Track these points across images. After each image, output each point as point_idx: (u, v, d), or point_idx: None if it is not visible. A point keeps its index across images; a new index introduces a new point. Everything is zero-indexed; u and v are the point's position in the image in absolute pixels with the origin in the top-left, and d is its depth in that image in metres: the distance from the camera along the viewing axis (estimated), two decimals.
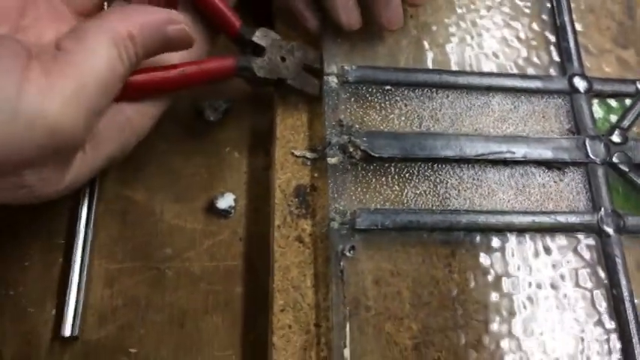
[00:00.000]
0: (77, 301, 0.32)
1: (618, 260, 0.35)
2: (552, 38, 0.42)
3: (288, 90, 0.35)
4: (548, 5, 0.43)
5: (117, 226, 0.35)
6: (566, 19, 0.42)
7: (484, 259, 0.34)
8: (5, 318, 0.32)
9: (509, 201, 0.36)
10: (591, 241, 0.35)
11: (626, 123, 0.39)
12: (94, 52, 0.26)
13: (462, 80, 0.39)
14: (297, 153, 0.36)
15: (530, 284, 0.34)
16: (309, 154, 0.36)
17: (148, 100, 0.30)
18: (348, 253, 0.33)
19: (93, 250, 0.34)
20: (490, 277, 0.34)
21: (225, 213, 0.36)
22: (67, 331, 0.32)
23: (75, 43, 0.26)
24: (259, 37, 0.34)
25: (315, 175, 0.35)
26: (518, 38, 0.42)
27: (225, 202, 0.36)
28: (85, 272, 0.33)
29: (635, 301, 0.34)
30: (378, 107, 0.37)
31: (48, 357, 0.32)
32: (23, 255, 0.34)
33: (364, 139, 0.35)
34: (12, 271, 0.33)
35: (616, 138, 0.38)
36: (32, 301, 0.33)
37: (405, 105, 0.38)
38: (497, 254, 0.35)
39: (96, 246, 0.35)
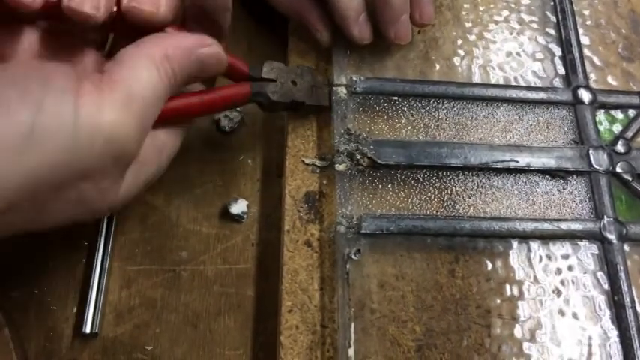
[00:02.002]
0: (97, 300, 0.34)
1: (620, 267, 0.35)
2: (557, 51, 0.43)
3: (303, 110, 0.37)
4: (554, 19, 0.44)
5: (137, 229, 0.37)
6: (571, 32, 0.43)
7: (487, 264, 0.35)
8: (30, 315, 0.34)
9: (512, 208, 0.37)
10: (594, 249, 0.36)
11: (629, 133, 0.40)
12: (135, 70, 0.28)
13: (467, 91, 0.40)
14: (306, 161, 0.37)
15: (532, 290, 0.35)
16: (318, 163, 0.37)
17: (175, 125, 0.32)
18: (354, 256, 0.34)
19: (113, 252, 0.36)
20: (493, 283, 0.35)
21: (238, 218, 0.38)
22: (87, 328, 0.34)
23: (117, 65, 0.28)
24: (267, 71, 0.35)
25: (324, 182, 0.37)
26: (524, 51, 0.43)
27: (239, 207, 0.38)
28: (106, 273, 0.35)
29: (637, 307, 0.34)
30: (385, 117, 0.39)
31: (69, 352, 0.34)
32: (48, 255, 0.36)
33: (371, 147, 0.37)
34: (37, 271, 0.35)
35: (620, 148, 0.39)
36: (55, 299, 0.35)
37: (412, 115, 0.39)
38: (501, 260, 0.35)
39: (116, 248, 0.36)
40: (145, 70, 0.28)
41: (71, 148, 0.26)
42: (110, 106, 0.27)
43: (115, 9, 0.30)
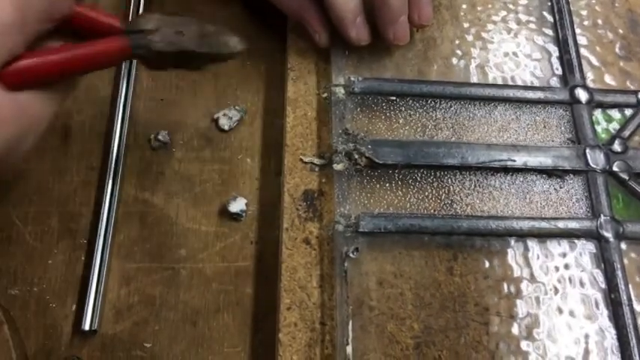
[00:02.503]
0: (96, 298, 0.34)
1: (617, 265, 0.35)
2: (555, 51, 0.43)
3: (199, 61, 0.31)
4: (551, 20, 0.45)
5: (135, 228, 0.37)
6: (568, 32, 0.43)
7: (485, 262, 0.35)
8: (29, 312, 0.35)
9: (510, 207, 0.37)
10: (591, 247, 0.36)
11: (626, 132, 0.40)
12: None
13: (465, 91, 0.40)
14: (305, 159, 0.37)
15: (530, 288, 0.35)
16: (316, 161, 0.37)
17: (44, 92, 0.28)
18: (351, 255, 0.34)
19: (112, 250, 0.36)
20: (491, 281, 0.35)
21: (237, 216, 0.38)
22: (86, 325, 0.34)
23: None
24: (144, 22, 0.30)
25: (323, 180, 0.37)
26: (522, 51, 0.43)
27: (237, 206, 0.38)
28: (105, 271, 0.35)
29: (634, 305, 0.35)
30: (383, 117, 0.39)
31: (68, 349, 0.34)
32: (47, 253, 0.36)
33: (369, 146, 0.37)
34: (37, 269, 0.36)
35: (616, 147, 0.39)
36: (54, 297, 0.35)
37: (410, 115, 0.39)
38: (498, 258, 0.36)
39: (115, 246, 0.37)
40: None
41: None
42: None
43: None
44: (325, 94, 0.39)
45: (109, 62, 0.30)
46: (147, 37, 0.30)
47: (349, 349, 0.32)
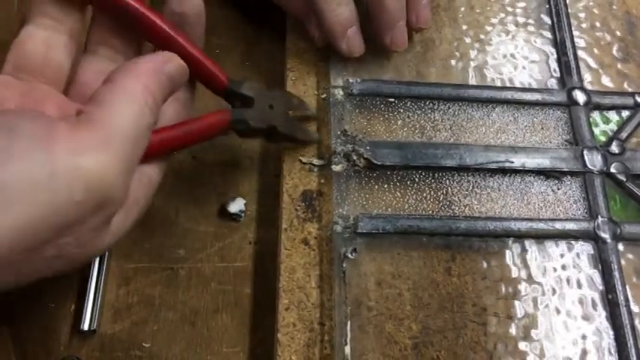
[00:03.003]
0: (95, 298, 0.34)
1: (614, 266, 0.36)
2: (552, 53, 0.43)
3: (278, 137, 0.35)
4: (549, 22, 0.45)
5: (134, 228, 0.37)
6: (566, 34, 0.43)
7: (483, 263, 0.36)
8: (28, 312, 0.35)
9: (507, 208, 0.37)
10: (588, 248, 0.36)
11: (624, 134, 0.40)
12: (115, 107, 0.26)
13: (463, 93, 0.40)
14: (304, 160, 0.37)
15: (527, 288, 0.35)
16: (315, 162, 0.37)
17: (161, 158, 0.31)
18: (350, 255, 0.34)
19: (111, 250, 0.36)
20: (489, 281, 0.35)
21: (236, 217, 0.38)
22: (85, 326, 0.34)
23: (95, 105, 0.26)
24: (247, 88, 0.34)
25: (322, 181, 0.37)
26: (520, 53, 0.43)
27: (236, 206, 0.38)
28: (104, 271, 0.35)
29: (631, 306, 0.35)
30: (382, 118, 0.39)
31: (67, 349, 0.34)
32: None
33: (368, 148, 0.37)
34: None
35: (614, 149, 0.39)
36: (53, 297, 0.35)
37: (408, 116, 0.39)
38: (496, 259, 0.36)
39: (114, 246, 0.36)
40: (127, 105, 0.26)
41: (48, 202, 0.23)
42: (88, 149, 0.24)
43: None
44: (324, 95, 0.40)
45: (212, 135, 0.33)
46: (245, 113, 0.34)
47: (347, 349, 0.32)
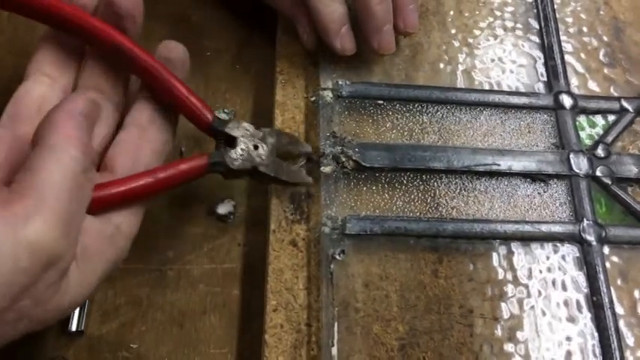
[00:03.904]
0: None
1: (599, 269, 0.36)
2: (540, 57, 0.44)
3: (262, 177, 0.34)
4: (537, 26, 0.45)
5: None
6: (554, 39, 0.44)
7: (469, 265, 0.36)
8: None
9: (494, 210, 0.38)
10: (574, 251, 0.37)
11: (609, 138, 0.41)
12: (42, 168, 0.26)
13: (451, 96, 0.41)
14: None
15: (513, 290, 0.35)
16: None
17: (132, 206, 0.30)
18: (338, 257, 0.34)
19: None
20: (475, 283, 0.35)
21: (224, 218, 0.38)
22: (73, 326, 0.34)
23: (25, 171, 0.26)
24: (231, 128, 0.34)
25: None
26: (508, 57, 0.44)
27: (225, 208, 0.38)
28: None
29: (616, 308, 0.35)
30: (371, 120, 0.39)
31: (54, 350, 0.34)
32: None
33: (356, 150, 0.37)
34: None
35: (600, 152, 0.40)
36: None
37: (397, 119, 0.40)
38: (483, 261, 0.36)
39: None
40: (53, 162, 0.26)
41: None
42: (23, 218, 0.24)
43: None
44: (313, 98, 0.40)
45: (189, 180, 0.32)
46: (225, 155, 0.33)
47: (334, 350, 0.32)
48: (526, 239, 0.37)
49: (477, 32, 0.45)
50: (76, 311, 0.34)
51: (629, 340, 0.35)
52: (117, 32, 0.32)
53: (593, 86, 0.44)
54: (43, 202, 0.25)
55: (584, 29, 0.46)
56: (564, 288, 0.36)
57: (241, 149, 0.33)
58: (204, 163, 0.32)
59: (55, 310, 0.27)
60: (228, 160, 0.33)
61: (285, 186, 0.36)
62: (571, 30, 0.46)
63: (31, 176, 0.26)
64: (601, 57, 0.45)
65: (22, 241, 0.24)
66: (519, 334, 0.34)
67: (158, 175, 0.30)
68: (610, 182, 0.39)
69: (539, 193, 0.39)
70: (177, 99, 0.33)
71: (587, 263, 0.36)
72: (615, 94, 0.43)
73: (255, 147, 0.34)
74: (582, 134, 0.41)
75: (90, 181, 0.28)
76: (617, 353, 0.34)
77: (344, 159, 0.37)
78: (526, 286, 0.36)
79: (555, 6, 0.46)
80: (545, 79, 0.43)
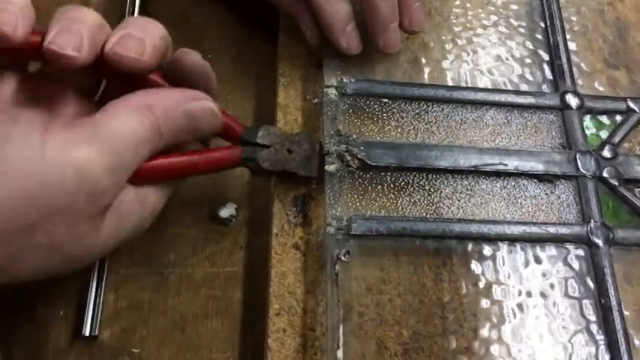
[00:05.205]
0: (95, 303, 0.34)
1: (607, 271, 0.35)
2: (546, 56, 0.43)
3: (294, 180, 0.36)
4: (542, 25, 0.45)
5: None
6: (559, 38, 0.43)
7: (475, 267, 0.35)
8: (18, 317, 0.34)
9: (501, 211, 0.37)
10: (581, 252, 0.36)
11: (616, 139, 0.40)
12: (113, 115, 0.28)
13: (456, 95, 0.40)
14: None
15: (520, 292, 0.35)
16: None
17: (164, 184, 0.32)
18: (343, 258, 0.34)
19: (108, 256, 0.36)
20: (480, 285, 0.35)
21: (226, 221, 0.38)
22: (87, 331, 0.33)
23: (99, 113, 0.29)
24: (262, 136, 0.34)
25: (313, 185, 0.37)
26: (513, 56, 0.43)
27: (227, 211, 0.38)
28: (104, 276, 0.35)
29: (623, 311, 0.35)
30: (375, 119, 0.39)
31: (55, 355, 0.34)
32: None
33: (361, 148, 0.37)
34: None
35: (607, 153, 0.39)
36: (42, 302, 0.35)
37: (402, 117, 0.39)
38: (488, 263, 0.36)
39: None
40: (124, 116, 0.28)
41: (40, 181, 0.26)
42: (78, 141, 0.27)
43: (99, 52, 0.29)
44: (316, 100, 0.39)
45: (222, 169, 0.34)
46: (258, 153, 0.34)
47: (340, 353, 0.32)
48: (533, 241, 0.36)
49: (481, 31, 0.44)
50: (90, 315, 0.34)
51: (638, 343, 0.34)
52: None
53: (598, 86, 0.43)
54: (102, 137, 0.27)
55: (589, 29, 0.46)
56: (572, 290, 0.35)
57: (275, 150, 0.34)
58: (238, 155, 0.33)
59: (85, 250, 0.28)
60: (259, 159, 0.34)
61: (310, 181, 0.37)
62: (576, 29, 0.45)
63: (101, 116, 0.28)
64: (606, 57, 0.44)
65: (71, 161, 0.26)
66: (525, 338, 0.34)
67: (193, 157, 0.32)
68: (617, 183, 0.38)
69: (546, 193, 0.38)
70: None
71: (595, 265, 0.36)
72: (620, 95, 0.43)
73: (289, 151, 0.35)
74: (589, 134, 0.40)
75: (145, 151, 0.29)
76: (625, 356, 0.33)
77: (349, 157, 0.36)
78: (533, 289, 0.35)
79: (560, 5, 0.45)
80: (551, 78, 0.42)
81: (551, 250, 0.36)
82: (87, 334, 0.33)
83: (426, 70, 0.42)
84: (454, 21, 0.44)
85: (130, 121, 0.28)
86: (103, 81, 0.33)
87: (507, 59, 0.43)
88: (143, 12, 0.43)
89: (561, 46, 0.43)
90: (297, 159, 0.35)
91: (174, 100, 0.30)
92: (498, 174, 0.38)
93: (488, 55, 0.43)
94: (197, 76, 0.33)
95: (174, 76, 0.32)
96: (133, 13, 0.43)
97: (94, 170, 0.27)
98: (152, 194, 0.31)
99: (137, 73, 0.30)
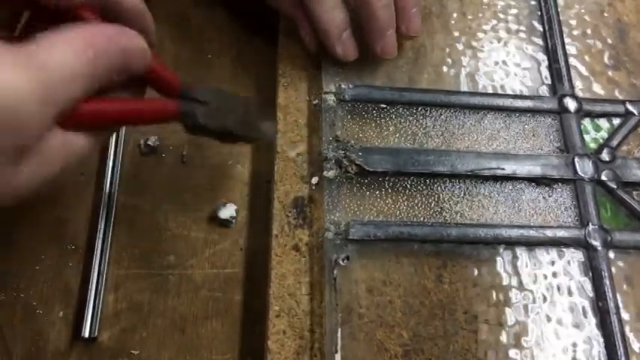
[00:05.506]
0: (95, 305, 0.34)
1: (605, 274, 0.36)
2: (544, 60, 0.44)
3: (232, 138, 0.34)
4: (540, 29, 0.45)
5: (125, 234, 0.37)
6: (557, 41, 0.44)
7: (474, 270, 0.36)
8: (16, 318, 0.34)
9: (499, 215, 0.37)
10: (579, 255, 0.37)
11: (614, 142, 0.40)
12: (46, 46, 0.26)
13: (454, 99, 0.40)
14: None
15: (518, 296, 0.35)
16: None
17: (94, 132, 0.29)
18: (341, 262, 0.34)
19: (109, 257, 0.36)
20: (480, 288, 0.35)
21: (226, 223, 0.38)
22: (86, 333, 0.33)
23: (31, 42, 0.26)
24: (200, 92, 0.32)
25: (313, 187, 0.37)
26: (511, 60, 0.44)
27: (227, 212, 0.38)
28: (103, 279, 0.35)
29: (622, 314, 0.35)
30: (374, 124, 0.39)
31: (55, 357, 0.34)
32: (35, 259, 0.36)
33: (359, 154, 0.37)
34: (24, 275, 0.35)
35: (605, 156, 0.40)
36: (41, 303, 0.35)
37: (400, 122, 0.39)
38: (487, 266, 0.36)
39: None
40: (60, 47, 0.26)
41: None
42: (8, 64, 0.24)
43: None
44: (316, 101, 0.39)
45: (157, 121, 0.31)
46: (196, 109, 0.31)
47: (338, 357, 0.32)
48: (531, 244, 0.36)
49: (480, 35, 0.44)
50: (89, 317, 0.34)
51: (635, 346, 0.34)
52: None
53: (598, 89, 0.43)
54: (34, 65, 0.25)
55: (588, 32, 0.46)
56: (570, 293, 0.36)
57: (211, 110, 0.32)
58: (175, 108, 0.31)
59: (8, 187, 0.26)
60: (198, 113, 0.31)
61: (252, 142, 0.36)
62: (575, 32, 0.46)
63: (35, 42, 0.25)
64: (605, 60, 0.45)
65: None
66: (524, 340, 0.34)
67: (133, 104, 0.30)
68: (615, 186, 0.39)
69: (543, 197, 0.38)
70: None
71: (593, 268, 0.36)
72: (620, 97, 0.43)
73: (226, 109, 0.32)
74: (587, 138, 0.41)
75: (78, 89, 0.27)
76: (623, 359, 0.34)
77: (347, 163, 0.37)
78: (531, 292, 0.35)
79: (559, 8, 0.46)
80: (549, 82, 0.43)
81: (550, 254, 0.36)
82: (86, 335, 0.33)
83: (425, 75, 0.42)
84: (453, 25, 0.45)
85: (66, 53, 0.26)
86: (24, 15, 0.31)
87: (506, 63, 0.43)
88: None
89: (559, 50, 0.43)
90: (235, 118, 0.33)
91: (110, 36, 0.28)
92: (496, 178, 0.38)
93: (486, 59, 0.43)
94: (133, 13, 0.31)
95: (108, 13, 0.31)
96: None
97: (19, 98, 0.24)
98: (78, 141, 0.28)
99: (68, 6, 0.28)
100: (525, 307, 0.35)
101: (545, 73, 0.43)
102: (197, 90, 0.32)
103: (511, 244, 0.36)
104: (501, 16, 0.46)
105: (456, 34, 0.44)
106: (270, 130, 0.36)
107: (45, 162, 0.27)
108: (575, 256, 0.37)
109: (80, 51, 0.26)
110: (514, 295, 0.35)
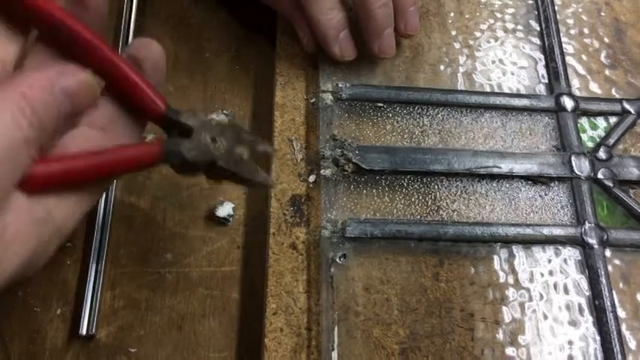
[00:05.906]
0: (92, 303, 0.34)
1: (601, 272, 0.36)
2: (541, 59, 0.44)
3: (220, 173, 0.30)
4: (538, 28, 0.45)
5: (122, 231, 0.37)
6: (554, 40, 0.44)
7: (471, 268, 0.36)
8: (13, 316, 0.34)
9: (495, 213, 0.37)
10: (575, 254, 0.37)
11: (611, 140, 0.40)
12: None
13: (451, 98, 0.40)
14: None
15: (514, 294, 0.35)
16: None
17: (72, 193, 0.26)
18: (338, 260, 0.34)
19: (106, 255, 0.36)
20: (476, 286, 0.35)
21: (224, 221, 0.38)
22: (84, 330, 0.33)
23: None
24: (187, 117, 0.29)
25: (310, 186, 0.37)
26: (508, 59, 0.44)
27: (225, 210, 0.38)
28: (101, 277, 0.35)
29: (618, 312, 0.35)
30: (371, 123, 0.39)
31: (52, 354, 0.34)
32: None
33: (356, 152, 0.37)
34: None
35: (601, 155, 0.40)
36: (39, 301, 0.35)
37: (397, 121, 0.39)
38: (484, 264, 0.36)
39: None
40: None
41: None
42: None
43: None
44: (313, 100, 0.40)
45: (140, 168, 0.28)
46: (180, 144, 0.29)
47: (335, 354, 0.32)
48: (527, 242, 0.36)
49: (477, 34, 0.45)
50: (87, 315, 0.34)
51: (632, 344, 0.35)
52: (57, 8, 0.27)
53: (595, 88, 0.43)
54: None
55: (585, 31, 0.46)
56: (566, 291, 0.36)
57: (198, 140, 0.29)
58: (158, 150, 0.28)
59: None
60: (183, 149, 0.28)
61: (243, 185, 0.33)
62: (572, 31, 0.46)
63: None
64: (602, 58, 0.45)
65: None
66: (521, 338, 0.34)
67: (101, 157, 0.26)
68: (612, 185, 0.39)
69: (540, 195, 0.38)
70: (122, 82, 0.28)
71: (589, 266, 0.36)
72: (617, 96, 0.43)
73: (213, 140, 0.30)
74: (584, 136, 0.41)
75: (28, 155, 0.24)
76: (619, 357, 0.34)
77: (344, 162, 0.37)
78: (527, 290, 0.35)
79: (556, 7, 0.46)
80: (546, 80, 0.43)
81: (546, 252, 0.37)
82: (84, 333, 0.33)
83: (422, 73, 0.42)
84: (450, 24, 0.45)
85: (3, 121, 0.23)
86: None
87: (503, 62, 0.43)
88: (141, 12, 0.44)
89: (556, 49, 0.44)
90: (222, 149, 0.30)
91: (47, 79, 0.25)
92: (493, 176, 0.38)
93: (483, 58, 0.43)
94: (152, 71, 0.30)
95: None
96: (130, 13, 0.43)
97: None
98: (58, 207, 0.26)
99: None
100: (522, 305, 0.35)
101: (542, 71, 0.43)
102: (183, 115, 0.29)
103: (508, 242, 0.36)
104: (498, 15, 0.46)
105: (453, 32, 0.44)
106: (266, 179, 0.32)
107: (9, 241, 0.24)
108: (572, 254, 0.37)
109: (18, 114, 0.24)
110: (510, 293, 0.35)
